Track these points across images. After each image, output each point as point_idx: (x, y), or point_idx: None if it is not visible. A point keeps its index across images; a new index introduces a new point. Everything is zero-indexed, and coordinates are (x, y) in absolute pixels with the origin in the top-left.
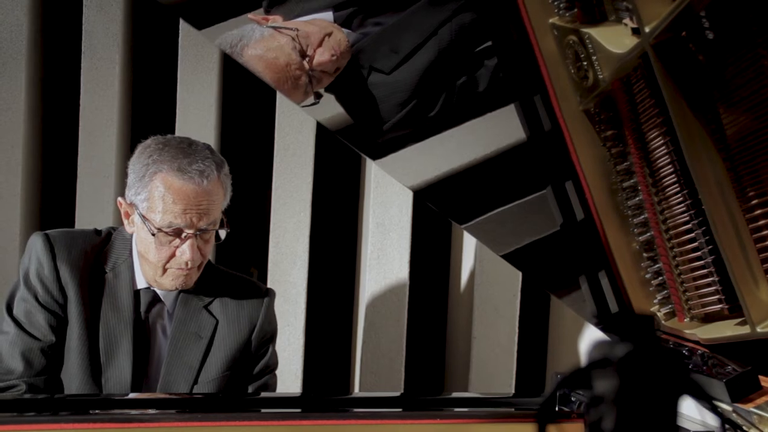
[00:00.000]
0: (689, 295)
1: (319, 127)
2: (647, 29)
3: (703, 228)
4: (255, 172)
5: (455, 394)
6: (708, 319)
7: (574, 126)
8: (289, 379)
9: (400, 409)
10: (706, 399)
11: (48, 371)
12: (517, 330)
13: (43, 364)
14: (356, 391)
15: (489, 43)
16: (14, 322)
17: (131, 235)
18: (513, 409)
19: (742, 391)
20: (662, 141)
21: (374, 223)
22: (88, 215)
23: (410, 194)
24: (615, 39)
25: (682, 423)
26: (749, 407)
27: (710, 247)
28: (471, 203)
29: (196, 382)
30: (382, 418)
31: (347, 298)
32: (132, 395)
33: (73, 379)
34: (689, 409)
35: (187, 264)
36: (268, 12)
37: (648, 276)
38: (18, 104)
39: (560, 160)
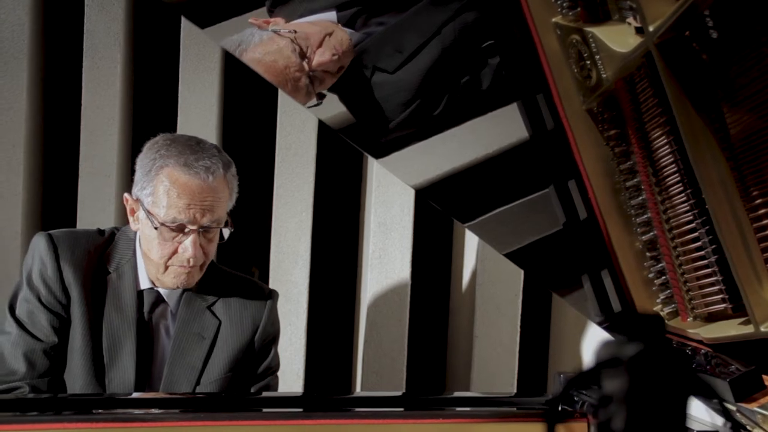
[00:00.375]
0: (692, 295)
1: (321, 126)
2: (651, 28)
3: (707, 227)
4: (256, 171)
5: (457, 394)
6: (711, 318)
7: (577, 125)
8: (291, 378)
9: (401, 409)
10: (715, 399)
11: (51, 372)
12: (519, 329)
13: (46, 366)
14: (358, 390)
15: (492, 42)
16: (16, 322)
17: (135, 235)
18: (515, 409)
19: (746, 390)
20: (665, 140)
21: (376, 223)
22: (90, 214)
23: (412, 194)
24: (618, 38)
25: (689, 423)
26: (753, 407)
27: (714, 246)
28: (474, 202)
29: (198, 382)
30: (384, 417)
31: (349, 297)
32: (134, 395)
33: (76, 379)
34: (694, 408)
35: (189, 261)
36: (271, 12)
37: (651, 275)
38: (19, 103)
39: (563, 159)
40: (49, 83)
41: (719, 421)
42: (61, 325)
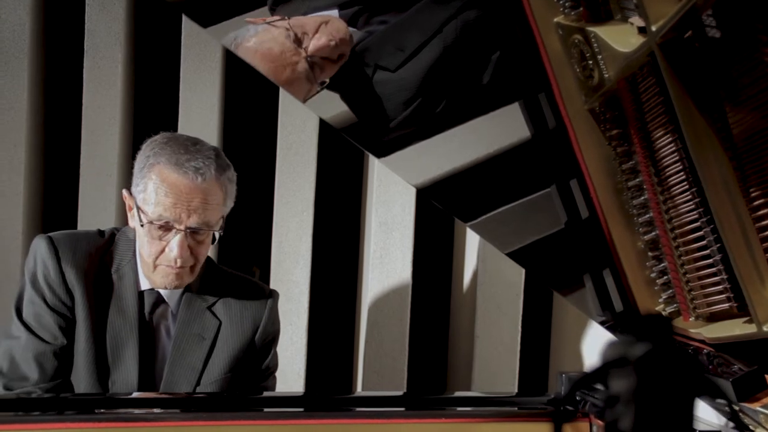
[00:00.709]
0: (694, 294)
1: (322, 126)
2: (654, 28)
3: (710, 227)
4: (258, 171)
5: (458, 393)
6: (713, 318)
7: (579, 125)
8: (292, 378)
9: (402, 408)
10: (722, 399)
11: (61, 374)
12: (520, 329)
13: (56, 368)
14: (359, 390)
15: (493, 40)
16: (24, 326)
17: (134, 236)
18: (516, 408)
19: (749, 390)
20: (668, 140)
21: (377, 222)
22: (91, 214)
23: (413, 193)
24: (621, 38)
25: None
26: (756, 406)
27: (717, 246)
28: (476, 201)
29: (198, 383)
30: (385, 417)
31: (350, 297)
32: (136, 395)
33: (80, 381)
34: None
35: (176, 261)
36: (272, 11)
37: (653, 275)
38: (21, 103)
39: (565, 159)
40: (50, 83)
41: (721, 420)
42: (68, 326)
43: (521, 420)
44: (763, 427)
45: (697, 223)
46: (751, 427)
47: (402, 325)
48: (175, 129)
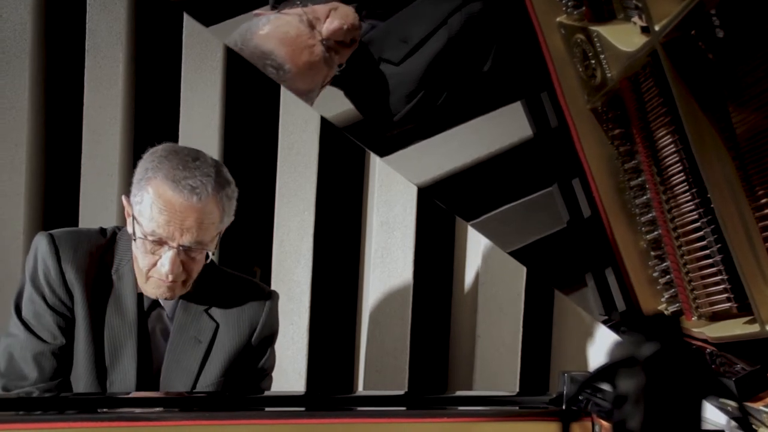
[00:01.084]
0: (697, 294)
1: (324, 125)
2: (657, 27)
3: (712, 226)
4: (259, 170)
5: (459, 393)
6: (716, 317)
7: (581, 124)
8: (293, 377)
9: (404, 408)
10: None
11: (60, 374)
12: (521, 328)
13: (55, 368)
14: (360, 389)
15: (496, 35)
16: (23, 324)
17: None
18: (517, 408)
19: (752, 389)
20: (671, 139)
21: (378, 222)
22: (92, 214)
23: (414, 193)
24: (623, 37)
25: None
26: (759, 406)
27: (719, 245)
28: (478, 200)
29: (194, 386)
30: (386, 416)
31: (351, 296)
32: (137, 394)
33: (79, 381)
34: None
35: (167, 276)
36: (275, 8)
37: (655, 274)
38: (21, 103)
39: (567, 158)
40: (51, 82)
41: (723, 419)
42: (68, 325)
43: (523, 419)
44: (766, 426)
45: (699, 223)
46: (754, 427)
47: (403, 325)
48: (176, 129)
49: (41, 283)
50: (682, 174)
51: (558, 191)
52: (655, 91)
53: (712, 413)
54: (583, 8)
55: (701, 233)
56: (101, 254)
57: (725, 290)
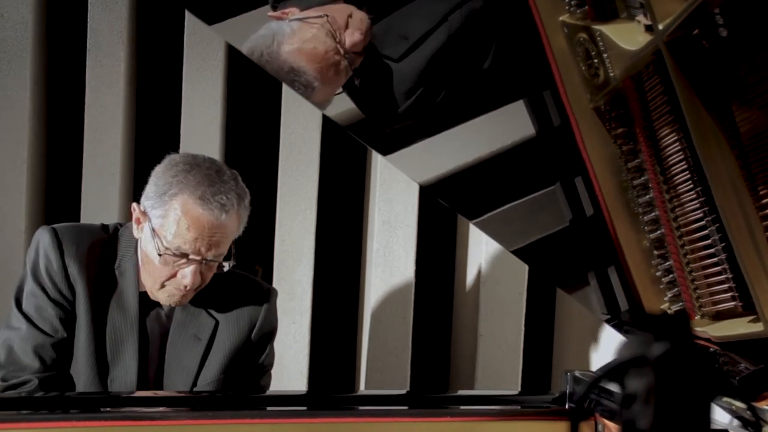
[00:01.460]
0: (700, 293)
1: (325, 124)
2: (661, 26)
3: (716, 225)
4: (260, 169)
5: (461, 392)
6: (719, 316)
7: (584, 123)
8: (295, 377)
9: (405, 407)
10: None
11: (59, 367)
12: (523, 327)
13: (55, 360)
14: (362, 388)
15: (498, 32)
16: (25, 317)
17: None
18: (519, 407)
19: (756, 389)
20: (674, 138)
21: (380, 221)
22: (93, 213)
23: (416, 192)
24: (627, 36)
25: None
26: (763, 405)
27: (723, 244)
28: (481, 199)
29: (195, 384)
30: (388, 415)
31: (353, 295)
32: (139, 393)
33: (80, 376)
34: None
35: (185, 287)
36: (275, 8)
37: (658, 273)
38: (23, 101)
39: (570, 157)
40: (52, 81)
41: (726, 419)
42: (69, 319)
43: (524, 419)
44: None
45: (703, 222)
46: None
47: (405, 324)
48: (178, 129)
49: (43, 276)
50: (685, 173)
51: (561, 190)
52: (659, 90)
53: (717, 412)
54: (586, 7)
55: (705, 232)
56: (103, 249)
57: (729, 289)
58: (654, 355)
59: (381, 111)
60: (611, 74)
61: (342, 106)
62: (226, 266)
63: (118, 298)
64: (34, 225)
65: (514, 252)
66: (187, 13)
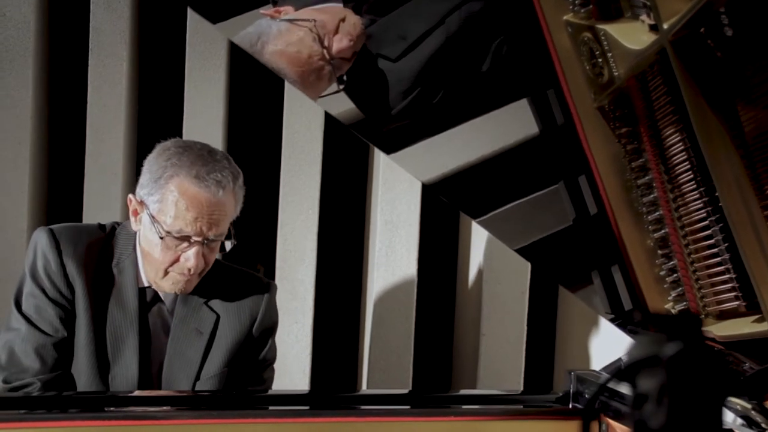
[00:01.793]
0: (704, 292)
1: (328, 124)
2: (666, 26)
3: (720, 225)
4: (263, 169)
5: (463, 391)
6: (723, 316)
7: (588, 123)
8: (297, 376)
9: (407, 407)
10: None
11: (61, 366)
12: (525, 327)
13: (57, 360)
14: (364, 388)
15: (498, 35)
16: (24, 318)
17: (135, 231)
18: (521, 406)
19: (760, 388)
20: (678, 138)
21: (382, 221)
22: (96, 212)
23: (418, 191)
24: (631, 35)
25: None
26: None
27: (727, 244)
28: (485, 197)
29: (198, 378)
30: (390, 415)
31: (355, 295)
32: (141, 393)
33: (81, 374)
34: None
35: (189, 270)
36: (275, 3)
37: (662, 273)
38: (25, 101)
39: (574, 156)
40: (54, 81)
41: (730, 417)
42: (68, 318)
43: (527, 418)
44: None
45: (707, 222)
46: (763, 425)
47: (407, 323)
48: (180, 128)
49: (41, 276)
50: (690, 172)
51: (564, 189)
52: (663, 90)
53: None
54: (590, 6)
55: (709, 231)
56: (101, 248)
57: (733, 289)
58: (667, 355)
59: (377, 110)
60: (615, 73)
61: (346, 104)
62: (228, 245)
63: (118, 296)
64: (36, 225)
65: (518, 250)
66: (189, 13)
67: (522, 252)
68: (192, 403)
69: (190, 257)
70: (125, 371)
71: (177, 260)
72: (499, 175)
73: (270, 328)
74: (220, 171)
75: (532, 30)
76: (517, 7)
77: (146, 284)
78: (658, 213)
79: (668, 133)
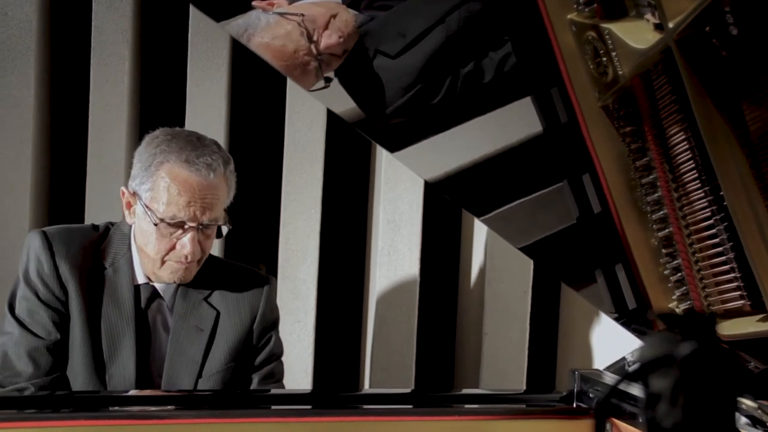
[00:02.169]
0: (708, 292)
1: (330, 123)
2: (671, 25)
3: (725, 224)
4: (265, 168)
5: (466, 391)
6: (727, 315)
7: (592, 122)
8: (300, 375)
9: (410, 406)
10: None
11: (55, 370)
12: (528, 326)
13: (50, 363)
14: (366, 387)
15: (497, 34)
16: (17, 321)
17: (129, 230)
18: (524, 406)
19: (766, 387)
20: (683, 137)
21: (385, 220)
22: (98, 211)
23: (421, 190)
24: (636, 34)
25: None
26: None
27: (732, 243)
28: (489, 196)
29: (200, 375)
30: (393, 414)
31: (357, 294)
32: (142, 392)
33: (77, 376)
34: None
35: (186, 257)
36: None
37: (666, 272)
38: (27, 100)
39: (578, 155)
40: (57, 80)
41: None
42: (62, 320)
43: (530, 417)
44: None
45: (712, 221)
46: None
47: (410, 322)
48: (182, 126)
49: (34, 279)
50: (694, 171)
51: (568, 188)
52: (668, 89)
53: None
54: (595, 5)
55: (714, 230)
56: (95, 249)
57: (738, 288)
58: (682, 355)
59: (374, 106)
60: (620, 72)
61: (349, 102)
62: (225, 229)
63: (113, 295)
64: (38, 224)
65: (522, 249)
66: (191, 12)
67: (526, 250)
68: (194, 403)
69: (186, 244)
70: (122, 371)
71: (173, 248)
72: (503, 173)
73: (272, 322)
74: (209, 155)
75: (537, 29)
76: (522, 6)
77: (143, 281)
78: (662, 212)
79: (673, 132)
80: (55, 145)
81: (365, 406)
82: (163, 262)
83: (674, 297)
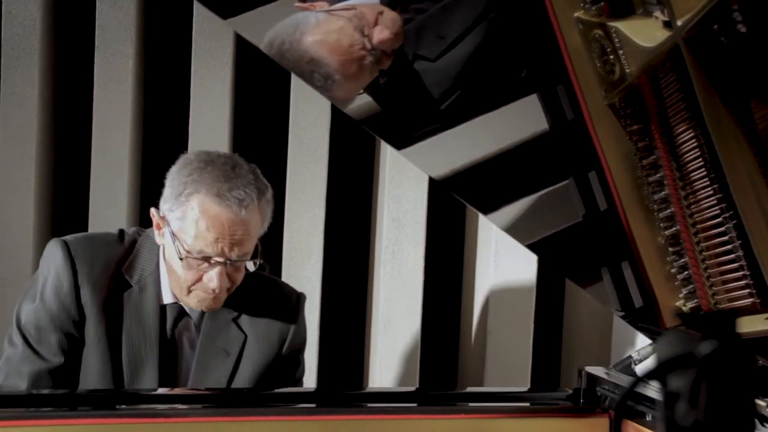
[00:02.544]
0: (716, 290)
1: (334, 121)
2: (679, 22)
3: (734, 222)
4: (269, 166)
5: (470, 389)
6: None
7: (599, 120)
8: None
9: (414, 404)
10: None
11: None
12: (533, 324)
13: (50, 387)
14: (371, 385)
15: (508, 32)
16: (22, 336)
17: (158, 244)
18: (528, 404)
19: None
20: (691, 135)
21: (389, 218)
22: (102, 210)
23: (425, 189)
24: (643, 32)
25: None
26: None
27: (740, 241)
28: (495, 192)
29: None
30: (397, 413)
31: (362, 292)
32: (150, 390)
33: None
34: None
35: (213, 291)
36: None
37: (673, 270)
38: (31, 99)
39: (585, 153)
40: (60, 78)
41: None
42: (71, 345)
43: (534, 416)
44: None
45: (719, 219)
46: None
47: (414, 321)
48: (186, 125)
49: (49, 296)
50: (702, 169)
51: (575, 185)
52: (676, 87)
53: None
54: (602, 3)
55: (722, 229)
56: (119, 264)
57: (746, 286)
58: (702, 354)
59: (417, 112)
60: (627, 71)
61: (356, 100)
62: (251, 266)
63: (137, 316)
64: (41, 222)
65: (528, 246)
66: (195, 10)
67: (532, 248)
68: (199, 401)
69: (212, 278)
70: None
71: (200, 279)
72: (510, 170)
73: (299, 347)
74: (243, 188)
75: (543, 27)
76: (528, 4)
77: (171, 300)
78: (669, 210)
79: (680, 130)
80: (59, 144)
81: (369, 405)
82: (189, 291)
83: (681, 295)
